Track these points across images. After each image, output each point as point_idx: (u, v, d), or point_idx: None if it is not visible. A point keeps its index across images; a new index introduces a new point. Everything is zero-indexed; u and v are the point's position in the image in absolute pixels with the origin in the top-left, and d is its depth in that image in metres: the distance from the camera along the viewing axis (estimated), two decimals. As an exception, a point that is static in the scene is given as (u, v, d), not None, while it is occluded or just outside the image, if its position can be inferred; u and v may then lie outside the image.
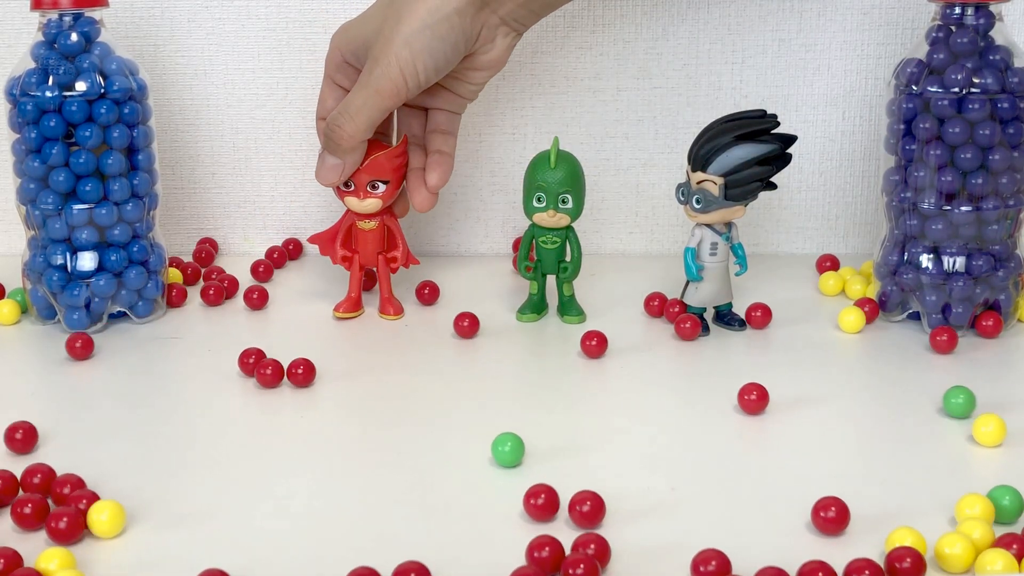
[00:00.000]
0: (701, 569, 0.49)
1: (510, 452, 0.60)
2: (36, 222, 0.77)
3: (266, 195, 0.94)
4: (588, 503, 0.54)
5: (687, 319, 0.76)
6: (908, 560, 0.49)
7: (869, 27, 0.89)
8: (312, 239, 0.82)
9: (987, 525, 0.52)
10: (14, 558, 0.50)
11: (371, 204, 0.78)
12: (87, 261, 0.77)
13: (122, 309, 0.78)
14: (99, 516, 0.53)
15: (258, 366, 0.69)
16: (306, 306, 0.83)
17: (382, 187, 0.77)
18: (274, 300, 0.84)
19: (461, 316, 0.76)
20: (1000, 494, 0.54)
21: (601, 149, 0.92)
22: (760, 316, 0.78)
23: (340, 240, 0.80)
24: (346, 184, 0.78)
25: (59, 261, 0.77)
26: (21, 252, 0.80)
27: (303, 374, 0.69)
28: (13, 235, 0.94)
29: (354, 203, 0.78)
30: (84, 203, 0.75)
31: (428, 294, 0.83)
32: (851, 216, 0.93)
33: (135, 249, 0.78)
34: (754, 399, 0.65)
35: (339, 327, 0.79)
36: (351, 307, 0.80)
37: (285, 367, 0.69)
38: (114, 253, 0.77)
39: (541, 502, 0.54)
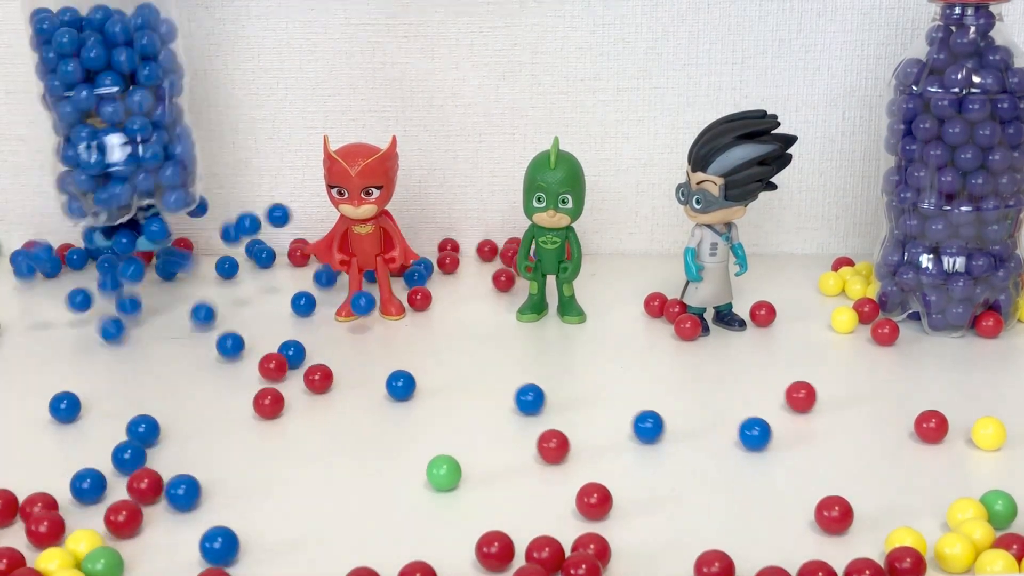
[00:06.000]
0: (704, 571, 0.49)
1: (446, 475, 0.58)
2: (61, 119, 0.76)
3: (266, 195, 0.94)
4: (595, 495, 0.55)
5: (687, 319, 0.76)
6: (908, 560, 0.49)
7: (869, 27, 0.89)
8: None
9: (987, 525, 0.52)
10: (16, 558, 0.51)
11: (366, 210, 0.78)
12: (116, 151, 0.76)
13: (151, 203, 0.78)
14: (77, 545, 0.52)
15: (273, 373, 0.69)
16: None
17: (376, 192, 0.77)
18: (275, 301, 0.84)
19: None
20: (992, 499, 0.54)
21: (601, 149, 0.92)
22: (764, 315, 0.78)
23: (336, 245, 0.80)
24: (340, 192, 0.78)
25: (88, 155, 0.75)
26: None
27: (319, 380, 0.69)
28: (14, 235, 0.94)
29: (349, 210, 0.78)
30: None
31: (420, 300, 0.82)
32: (851, 216, 0.93)
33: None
34: (802, 396, 0.66)
35: (339, 328, 0.79)
36: (351, 310, 0.80)
37: (289, 370, 0.70)
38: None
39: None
